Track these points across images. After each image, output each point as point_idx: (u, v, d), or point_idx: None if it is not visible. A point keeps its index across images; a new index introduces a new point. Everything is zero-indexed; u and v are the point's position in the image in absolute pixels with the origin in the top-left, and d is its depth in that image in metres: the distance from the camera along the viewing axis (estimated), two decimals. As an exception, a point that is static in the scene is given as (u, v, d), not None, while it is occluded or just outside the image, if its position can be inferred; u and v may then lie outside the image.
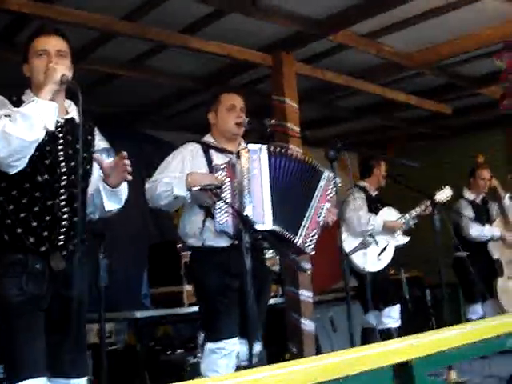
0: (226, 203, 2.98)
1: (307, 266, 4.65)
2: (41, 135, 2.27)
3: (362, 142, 8.54)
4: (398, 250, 5.26)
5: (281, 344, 5.01)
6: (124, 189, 2.60)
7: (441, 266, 4.08)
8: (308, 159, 3.34)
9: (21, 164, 2.29)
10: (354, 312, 4.89)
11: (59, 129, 2.45)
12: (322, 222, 3.27)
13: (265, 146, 3.19)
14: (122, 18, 4.41)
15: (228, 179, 3.10)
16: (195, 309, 3.41)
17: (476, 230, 5.74)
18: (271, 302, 4.61)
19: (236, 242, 3.02)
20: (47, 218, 2.39)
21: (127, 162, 2.42)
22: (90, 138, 2.59)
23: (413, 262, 6.56)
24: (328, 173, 3.25)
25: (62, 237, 2.41)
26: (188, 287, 4.53)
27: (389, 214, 5.22)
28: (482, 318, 5.68)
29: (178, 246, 4.54)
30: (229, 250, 3.12)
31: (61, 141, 2.45)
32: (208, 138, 3.42)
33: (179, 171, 3.20)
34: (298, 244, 3.16)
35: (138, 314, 4.52)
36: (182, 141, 3.51)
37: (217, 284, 3.17)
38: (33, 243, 2.36)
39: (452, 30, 5.10)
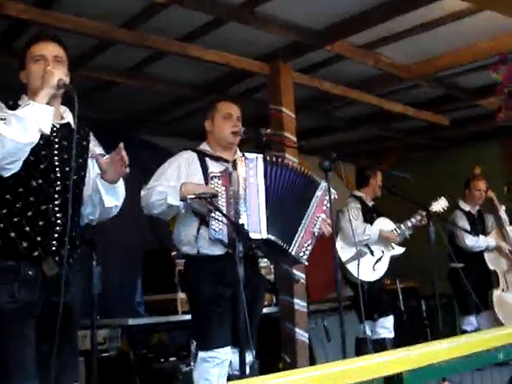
0: (221, 212, 2.98)
1: (300, 276, 4.66)
2: (35, 138, 2.26)
3: (358, 151, 8.56)
4: (394, 260, 5.26)
5: (274, 353, 5.00)
6: (121, 185, 2.60)
7: (435, 276, 4.08)
8: (304, 169, 3.34)
9: (15, 167, 2.28)
10: (350, 322, 4.92)
11: (54, 134, 2.45)
12: (317, 233, 3.27)
13: (261, 155, 3.20)
14: (121, 26, 4.42)
15: (223, 187, 3.10)
16: (189, 317, 3.41)
17: (471, 240, 5.75)
18: (265, 310, 4.61)
19: (230, 251, 3.01)
20: (40, 222, 2.39)
21: (124, 154, 2.42)
22: (84, 143, 2.59)
23: (408, 273, 6.55)
24: (324, 183, 3.26)
25: (55, 242, 2.40)
26: (182, 295, 4.52)
27: (384, 224, 5.22)
28: (477, 329, 5.67)
29: (173, 253, 4.54)
30: (223, 259, 3.12)
31: (56, 146, 2.45)
32: (204, 147, 3.43)
33: (175, 179, 3.21)
34: (292, 254, 3.16)
35: (132, 321, 4.51)
36: (179, 147, 3.52)
37: (210, 293, 3.16)
38: (25, 248, 2.35)
39: (449, 41, 5.12)
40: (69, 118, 2.53)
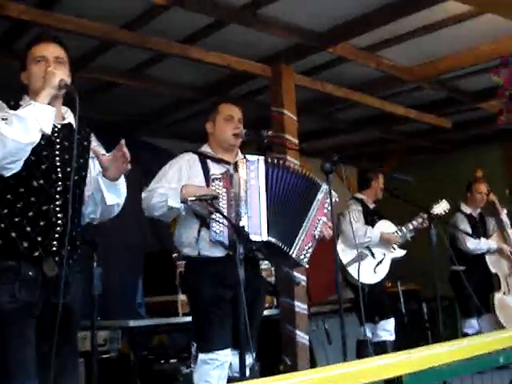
0: (222, 214, 2.98)
1: (301, 278, 4.65)
2: (36, 138, 2.27)
3: (360, 154, 8.56)
4: (395, 262, 5.25)
5: (275, 355, 4.99)
6: (123, 182, 2.60)
7: (437, 279, 4.07)
8: (306, 172, 3.34)
9: (16, 167, 2.28)
10: (351, 324, 4.92)
11: (56, 134, 2.46)
12: (317, 236, 3.26)
13: (263, 158, 3.19)
14: (122, 27, 4.43)
15: (224, 189, 3.10)
16: (189, 319, 3.40)
17: (472, 243, 5.74)
18: (266, 313, 4.60)
19: (231, 253, 3.01)
20: (41, 223, 2.39)
21: (126, 150, 2.42)
22: (86, 143, 2.59)
23: (410, 275, 6.55)
24: (326, 186, 3.25)
25: (56, 242, 2.41)
26: (182, 297, 4.51)
27: (386, 227, 5.21)
28: (479, 332, 5.66)
29: (174, 255, 4.54)
30: (224, 261, 3.11)
31: (57, 146, 2.46)
32: (205, 149, 3.43)
33: (176, 181, 3.21)
34: (293, 256, 3.15)
35: (132, 323, 4.51)
36: (180, 149, 3.52)
37: (211, 295, 3.16)
38: (26, 248, 2.35)
39: (451, 44, 5.12)
40: (70, 118, 2.54)
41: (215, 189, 3.09)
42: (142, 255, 5.45)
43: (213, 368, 3.09)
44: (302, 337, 4.89)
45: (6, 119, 2.24)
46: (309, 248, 3.22)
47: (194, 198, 3.02)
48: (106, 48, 4.76)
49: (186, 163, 3.30)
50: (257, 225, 3.05)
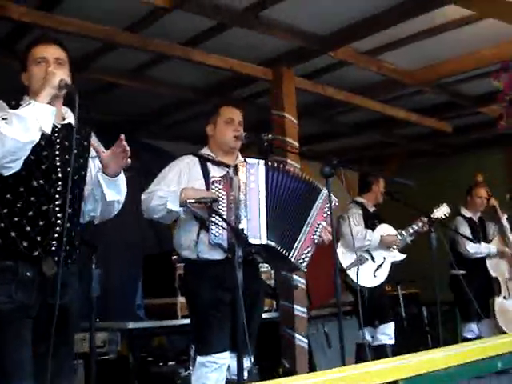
0: (221, 217, 2.98)
1: (300, 281, 4.65)
2: (36, 137, 2.27)
3: (361, 157, 8.56)
4: (395, 266, 5.25)
5: (274, 359, 4.99)
6: (122, 178, 2.60)
7: (437, 283, 4.07)
8: (306, 176, 3.33)
9: (15, 166, 2.29)
10: (350, 327, 4.91)
11: (56, 134, 2.46)
12: (317, 240, 3.26)
13: (263, 161, 3.19)
14: (124, 29, 4.43)
15: (224, 192, 3.10)
16: (188, 321, 3.40)
17: (472, 247, 5.74)
18: (265, 316, 4.61)
19: (230, 256, 3.01)
20: (41, 222, 2.39)
21: (126, 144, 2.42)
22: (86, 143, 2.60)
23: (410, 279, 6.55)
24: (326, 191, 3.24)
25: (55, 242, 2.41)
26: (182, 299, 4.51)
27: (386, 231, 5.21)
28: (479, 336, 5.66)
29: (173, 257, 4.54)
30: (223, 264, 3.11)
31: (57, 146, 2.46)
32: (205, 151, 3.43)
33: (175, 184, 3.21)
34: (291, 260, 3.15)
35: (131, 325, 4.51)
36: (181, 151, 3.53)
37: (210, 297, 3.16)
38: (26, 248, 2.36)
39: (452, 48, 5.12)
40: (70, 118, 2.54)
41: (215, 191, 3.09)
42: (142, 256, 5.45)
43: (211, 371, 3.09)
44: (301, 340, 4.89)
45: (6, 118, 2.25)
46: (308, 252, 3.21)
47: (193, 201, 3.02)
48: (108, 49, 4.77)
49: (185, 166, 3.30)
50: (256, 228, 3.05)
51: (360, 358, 5.04)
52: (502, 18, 4.33)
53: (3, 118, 2.25)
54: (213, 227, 3.04)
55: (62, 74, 2.39)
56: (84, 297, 2.97)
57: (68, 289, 2.42)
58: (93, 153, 2.60)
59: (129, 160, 2.49)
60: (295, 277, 4.74)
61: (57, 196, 2.43)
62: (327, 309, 5.88)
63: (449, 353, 1.92)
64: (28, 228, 2.37)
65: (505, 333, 5.48)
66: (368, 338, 5.14)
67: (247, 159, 3.23)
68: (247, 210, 3.06)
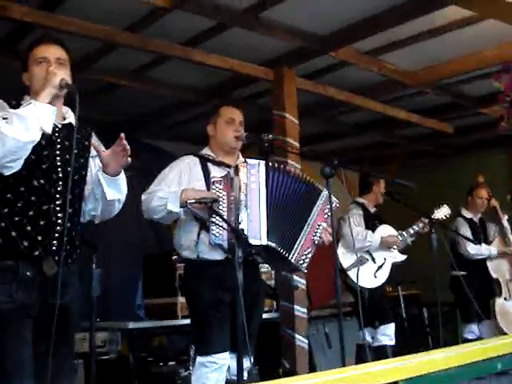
0: (221, 217, 2.98)
1: (300, 282, 4.65)
2: (36, 137, 2.27)
3: (362, 158, 8.56)
4: (396, 267, 5.25)
5: (274, 359, 4.99)
6: (123, 177, 2.60)
7: (437, 284, 4.07)
8: (306, 177, 3.33)
9: (16, 166, 2.29)
10: (351, 328, 4.91)
11: (56, 134, 2.46)
12: (317, 241, 3.25)
13: (263, 161, 3.19)
14: (124, 29, 4.43)
15: (225, 193, 3.10)
16: (188, 321, 3.40)
17: (473, 248, 5.74)
18: (266, 316, 4.61)
19: (230, 256, 3.00)
20: (41, 222, 2.39)
21: (126, 143, 2.43)
22: (86, 143, 2.60)
23: (410, 280, 6.54)
24: (326, 192, 3.23)
25: (56, 242, 2.41)
26: (182, 299, 4.51)
27: (386, 232, 5.21)
28: (479, 337, 5.66)
29: (174, 257, 4.54)
30: (223, 264, 3.10)
31: (58, 146, 2.47)
32: (206, 151, 3.43)
33: (176, 184, 3.21)
34: (292, 261, 3.15)
35: (131, 325, 4.51)
36: (181, 151, 3.52)
37: (210, 298, 3.16)
38: (26, 247, 2.36)
39: (454, 49, 5.12)
40: (71, 118, 2.55)
41: (215, 192, 3.09)
42: (142, 256, 5.46)
43: (211, 371, 3.09)
44: (302, 340, 4.89)
45: (7, 118, 2.25)
46: (308, 253, 3.21)
47: (193, 201, 3.02)
48: (109, 50, 4.77)
49: (186, 166, 3.30)
50: (256, 229, 3.05)
51: (360, 359, 5.04)
52: (503, 19, 4.33)
53: (4, 118, 2.25)
54: (213, 227, 3.03)
55: (62, 74, 2.39)
56: (84, 296, 2.96)
57: (68, 288, 2.42)
58: (93, 152, 2.60)
59: (129, 159, 2.49)
60: (295, 277, 4.74)
61: (57, 196, 2.43)
62: (327, 309, 5.88)
63: (449, 354, 1.92)
64: (28, 228, 2.37)
65: (505, 334, 5.48)
66: (368, 338, 5.14)
67: (248, 159, 3.23)
68: (247, 210, 3.06)
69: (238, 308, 2.71)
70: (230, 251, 2.96)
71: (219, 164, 3.33)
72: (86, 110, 2.37)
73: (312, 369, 5.14)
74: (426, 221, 4.81)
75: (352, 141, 8.02)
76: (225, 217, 3.01)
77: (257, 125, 4.79)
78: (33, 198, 2.39)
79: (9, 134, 2.20)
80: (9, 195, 2.38)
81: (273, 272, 5.08)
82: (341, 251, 4.99)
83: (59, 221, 2.42)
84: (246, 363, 2.91)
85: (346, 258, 5.04)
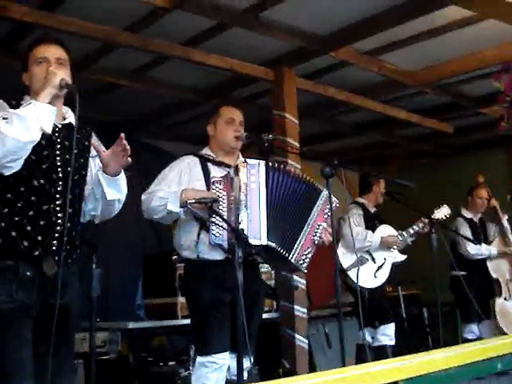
0: (221, 217, 2.98)
1: (300, 282, 4.65)
2: (36, 137, 2.27)
3: (362, 158, 8.56)
4: (396, 267, 5.25)
5: (274, 359, 4.99)
6: (123, 177, 2.60)
7: (437, 284, 4.07)
8: (307, 177, 3.32)
9: (16, 166, 2.29)
10: (351, 328, 4.91)
11: (56, 134, 2.46)
12: (317, 241, 3.25)
13: (263, 161, 3.19)
14: (124, 29, 4.43)
15: (225, 193, 3.10)
16: (188, 321, 3.40)
17: (473, 248, 5.74)
18: (266, 316, 4.61)
19: (230, 256, 3.00)
20: (41, 222, 2.39)
21: (126, 143, 2.43)
22: (86, 143, 2.60)
23: (410, 280, 6.54)
24: (326, 192, 3.23)
25: (55, 242, 2.41)
26: (182, 299, 4.51)
27: (386, 232, 5.21)
28: (479, 337, 5.66)
29: (174, 257, 4.54)
30: (223, 264, 3.10)
31: (58, 146, 2.47)
32: (206, 151, 3.43)
33: (176, 184, 3.21)
34: (292, 261, 3.15)
35: (131, 325, 4.51)
36: (181, 151, 3.52)
37: (210, 297, 3.16)
38: (26, 247, 2.36)
39: (454, 49, 5.12)
40: (71, 118, 2.55)
41: (215, 192, 3.09)
42: (142, 256, 5.46)
43: (211, 371, 3.09)
44: (302, 340, 4.89)
45: (7, 118, 2.25)
46: (308, 253, 3.20)
47: (193, 201, 3.02)
48: (109, 50, 4.77)
49: (186, 166, 3.30)
50: (256, 229, 3.05)
51: (360, 359, 5.04)
52: (503, 19, 4.33)
53: (4, 118, 2.25)
54: (213, 227, 3.03)
55: (62, 74, 2.39)
56: (84, 296, 2.96)
57: (68, 288, 2.42)
58: (93, 152, 2.60)
59: (129, 159, 2.49)
60: (295, 277, 4.74)
61: (57, 196, 2.43)
62: (327, 309, 5.88)
63: (449, 354, 1.92)
64: (28, 228, 2.37)
65: (505, 334, 5.48)
66: (368, 338, 5.14)
67: (248, 159, 3.23)
68: (247, 210, 3.05)
69: (237, 308, 2.71)
70: (230, 251, 2.96)
71: (219, 164, 3.33)
72: (85, 110, 2.37)
73: (312, 369, 5.14)
74: (426, 221, 4.82)
75: (352, 141, 8.02)
76: (225, 217, 3.01)
77: (257, 125, 4.79)
78: (33, 198, 2.39)
79: (9, 134, 2.20)
80: (9, 195, 2.38)
81: (273, 272, 5.08)
82: (341, 251, 4.99)
83: (59, 221, 2.42)
84: (246, 363, 2.91)
85: (346, 257, 5.04)
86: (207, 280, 3.18)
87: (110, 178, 2.53)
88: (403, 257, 5.25)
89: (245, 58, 5.06)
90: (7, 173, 2.30)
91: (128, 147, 2.44)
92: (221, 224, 3.00)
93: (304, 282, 4.93)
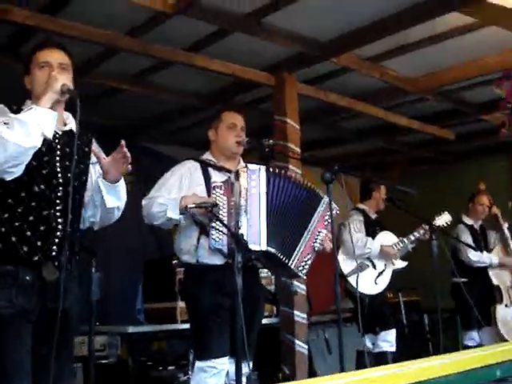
0: (221, 222, 2.98)
1: (299, 287, 4.65)
2: (38, 142, 2.27)
3: (363, 164, 8.56)
4: (396, 274, 5.25)
5: (274, 364, 4.98)
6: (123, 184, 2.60)
7: (438, 291, 4.07)
8: (307, 183, 3.32)
9: (17, 171, 2.29)
10: (351, 334, 4.90)
11: (57, 140, 2.46)
12: (317, 248, 3.25)
13: (264, 167, 3.19)
14: (126, 34, 4.44)
15: (225, 197, 3.10)
16: (188, 326, 3.40)
17: (474, 255, 5.73)
18: (265, 321, 4.60)
19: (230, 261, 3.00)
20: (42, 227, 2.39)
21: (126, 150, 2.42)
22: (87, 149, 2.60)
23: (411, 287, 6.53)
24: (327, 198, 3.23)
25: (55, 247, 2.41)
26: (182, 304, 4.50)
27: (387, 238, 5.21)
28: (479, 344, 5.64)
29: (174, 261, 4.54)
30: (223, 269, 3.10)
31: (58, 152, 2.47)
32: (207, 156, 3.43)
33: (176, 190, 3.21)
34: (291, 267, 3.14)
35: (131, 329, 4.51)
36: (182, 156, 3.53)
37: (210, 302, 3.16)
38: (26, 252, 2.36)
39: (455, 55, 5.13)
40: (71, 123, 2.55)
41: (215, 197, 3.09)
42: (142, 261, 5.46)
43: (210, 376, 3.09)
44: (301, 346, 4.88)
45: (8, 123, 2.25)
46: (308, 259, 3.20)
47: (193, 206, 3.02)
48: (111, 54, 4.78)
49: (187, 171, 3.30)
50: (256, 234, 3.05)
51: (360, 365, 5.03)
52: (505, 26, 4.33)
53: (5, 123, 2.25)
54: (213, 232, 3.04)
55: (64, 79, 2.39)
56: (84, 300, 2.96)
57: (68, 293, 2.41)
58: (93, 159, 2.60)
59: (129, 167, 2.49)
60: (295, 283, 4.74)
61: (57, 201, 2.43)
62: (328, 315, 5.87)
63: (448, 360, 1.91)
64: (28, 233, 2.37)
65: (506, 341, 5.46)
66: (369, 345, 5.13)
67: (249, 164, 3.23)
68: (247, 215, 3.06)
69: (237, 313, 2.71)
70: (230, 256, 2.96)
71: (220, 169, 3.34)
72: (87, 115, 2.37)
73: (312, 375, 5.13)
74: (427, 227, 4.81)
75: (354, 147, 8.02)
76: (225, 222, 3.01)
77: (258, 130, 4.79)
78: (33, 204, 2.38)
79: (10, 140, 2.20)
80: (9, 200, 2.38)
81: (273, 277, 5.08)
82: (341, 257, 4.99)
83: (59, 226, 2.42)
84: (245, 368, 2.91)
85: (346, 264, 5.04)
86: (207, 284, 3.18)
87: (110, 184, 2.53)
88: (404, 263, 5.25)
89: (247, 63, 5.07)
90: (9, 178, 2.30)
91: (128, 154, 2.44)
92: (221, 229, 3.00)
93: (304, 287, 4.92)
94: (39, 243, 2.38)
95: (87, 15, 4.12)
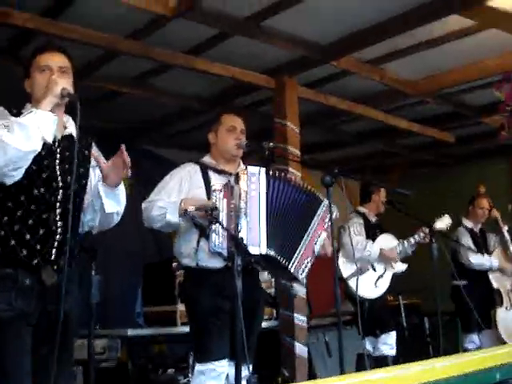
0: (221, 224, 2.98)
1: (299, 290, 4.64)
2: (38, 146, 2.26)
3: (363, 167, 8.57)
4: (396, 277, 5.24)
5: (273, 367, 4.98)
6: (122, 189, 2.59)
7: (438, 294, 4.06)
8: (307, 186, 3.32)
9: (17, 174, 2.28)
10: (351, 337, 4.90)
11: (56, 143, 2.46)
12: (317, 251, 3.25)
13: (264, 169, 3.19)
14: (126, 37, 4.45)
15: (225, 200, 3.10)
16: (188, 329, 3.40)
17: (475, 258, 5.73)
18: (265, 324, 4.60)
19: (230, 264, 3.00)
20: (41, 231, 2.39)
21: (126, 155, 2.42)
22: (86, 153, 2.60)
23: (411, 290, 6.53)
24: (327, 202, 3.23)
25: (54, 250, 2.41)
26: (181, 307, 4.50)
27: (387, 241, 5.21)
28: (480, 347, 5.63)
29: (174, 264, 4.54)
30: (223, 272, 3.10)
31: (58, 155, 2.46)
32: (207, 159, 3.43)
33: (176, 193, 3.21)
34: (291, 270, 3.14)
35: (130, 332, 4.51)
36: (182, 159, 3.52)
37: (209, 305, 3.15)
38: (25, 256, 2.36)
39: (455, 58, 5.14)
40: (71, 127, 2.54)
41: (215, 200, 3.08)
42: (142, 264, 5.46)
43: (209, 378, 3.08)
44: (301, 349, 4.87)
45: (8, 126, 2.25)
46: (308, 262, 3.19)
47: (193, 209, 3.02)
48: (111, 57, 4.78)
49: (187, 174, 3.30)
50: (256, 237, 3.04)
51: (361, 368, 5.02)
52: (504, 29, 4.34)
53: (5, 126, 2.25)
54: (213, 235, 3.03)
55: (64, 83, 2.39)
56: (83, 303, 2.96)
57: (68, 297, 2.41)
58: (93, 162, 2.60)
59: (129, 172, 2.49)
60: (295, 285, 4.73)
61: (57, 205, 2.43)
62: (328, 318, 5.86)
63: (449, 363, 1.91)
64: (28, 236, 2.37)
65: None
66: (369, 348, 5.12)
67: (249, 167, 3.22)
68: (247, 218, 3.05)
69: (237, 316, 2.71)
70: (230, 259, 2.96)
71: (220, 172, 3.33)
72: (87, 118, 2.37)
73: (311, 378, 5.12)
74: (427, 231, 4.81)
75: (354, 150, 8.02)
76: (225, 225, 3.01)
77: (258, 133, 4.80)
78: (33, 207, 2.38)
79: (10, 143, 2.19)
80: (9, 204, 2.37)
81: (273, 280, 5.08)
82: (341, 260, 4.99)
83: (59, 230, 2.42)
84: (245, 371, 2.90)
85: (346, 267, 5.03)
86: (207, 287, 3.18)
87: (110, 188, 2.53)
88: (404, 266, 5.25)
89: (247, 66, 5.08)
90: (9, 181, 2.30)
91: (128, 160, 2.43)
92: (221, 232, 3.00)
93: (304, 290, 4.92)
94: (38, 246, 2.38)
95: (87, 18, 4.13)
